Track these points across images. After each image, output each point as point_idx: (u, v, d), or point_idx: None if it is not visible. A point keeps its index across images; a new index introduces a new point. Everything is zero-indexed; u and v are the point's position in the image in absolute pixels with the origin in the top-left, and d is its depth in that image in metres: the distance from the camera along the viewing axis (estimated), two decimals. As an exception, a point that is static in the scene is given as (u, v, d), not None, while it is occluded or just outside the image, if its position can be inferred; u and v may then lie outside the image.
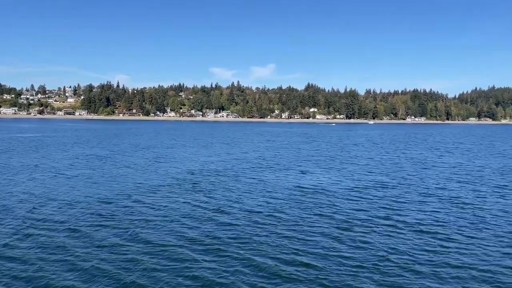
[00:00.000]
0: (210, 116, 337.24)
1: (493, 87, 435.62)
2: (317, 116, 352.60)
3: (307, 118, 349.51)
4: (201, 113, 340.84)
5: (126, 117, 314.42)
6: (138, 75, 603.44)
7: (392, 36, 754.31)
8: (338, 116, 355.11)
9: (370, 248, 16.80)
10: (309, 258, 15.51)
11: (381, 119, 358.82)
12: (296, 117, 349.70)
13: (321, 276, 13.94)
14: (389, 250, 16.58)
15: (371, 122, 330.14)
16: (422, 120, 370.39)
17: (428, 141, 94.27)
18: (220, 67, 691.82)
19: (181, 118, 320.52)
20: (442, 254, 16.24)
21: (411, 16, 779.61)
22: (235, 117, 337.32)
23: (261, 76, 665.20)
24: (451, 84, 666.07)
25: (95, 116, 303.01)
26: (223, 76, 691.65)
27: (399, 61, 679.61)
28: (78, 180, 31.46)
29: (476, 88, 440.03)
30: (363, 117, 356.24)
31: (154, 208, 22.58)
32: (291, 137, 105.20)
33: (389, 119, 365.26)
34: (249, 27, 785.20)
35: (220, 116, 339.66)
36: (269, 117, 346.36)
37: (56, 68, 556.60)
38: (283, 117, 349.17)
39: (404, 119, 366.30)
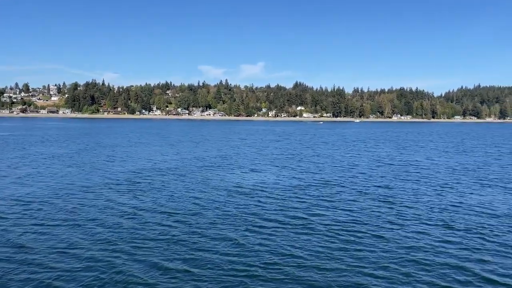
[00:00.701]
0: (197, 114, 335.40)
1: (479, 85, 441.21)
2: (304, 115, 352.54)
3: (294, 116, 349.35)
4: (187, 112, 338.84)
5: (111, 115, 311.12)
6: (128, 73, 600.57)
7: (381, 36, 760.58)
8: (325, 115, 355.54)
9: (262, 251, 16.03)
10: (188, 264, 14.64)
11: (367, 118, 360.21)
12: (283, 116, 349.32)
13: (187, 282, 13.16)
14: (281, 253, 15.87)
15: (357, 120, 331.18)
16: (408, 118, 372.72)
17: (400, 139, 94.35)
18: (209, 65, 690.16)
19: (167, 117, 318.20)
20: (334, 257, 15.56)
21: (399, 16, 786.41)
22: (222, 116, 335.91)
23: (251, 74, 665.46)
24: (438, 83, 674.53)
25: (79, 115, 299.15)
26: (212, 74, 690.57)
27: (388, 60, 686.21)
28: (6, 181, 30.27)
29: (462, 87, 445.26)
30: (350, 115, 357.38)
31: (63, 211, 21.54)
32: (266, 135, 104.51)
33: (376, 118, 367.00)
34: (239, 24, 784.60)
35: (207, 114, 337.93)
36: (256, 115, 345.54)
37: (43, 66, 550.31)
38: (270, 115, 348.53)
39: (390, 118, 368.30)
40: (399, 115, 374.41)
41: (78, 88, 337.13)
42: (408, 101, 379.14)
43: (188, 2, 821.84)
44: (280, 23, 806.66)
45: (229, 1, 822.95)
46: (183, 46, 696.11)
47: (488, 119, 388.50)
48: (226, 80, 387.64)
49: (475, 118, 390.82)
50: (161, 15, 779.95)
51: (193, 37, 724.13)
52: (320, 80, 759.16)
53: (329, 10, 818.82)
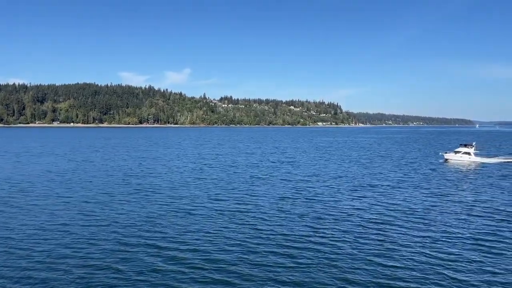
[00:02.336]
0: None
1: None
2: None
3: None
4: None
5: None
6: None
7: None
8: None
9: None
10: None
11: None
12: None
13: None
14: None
15: None
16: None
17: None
18: (130, 72, 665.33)
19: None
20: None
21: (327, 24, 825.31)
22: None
23: (176, 81, 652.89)
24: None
25: None
26: (134, 81, 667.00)
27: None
28: None
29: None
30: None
31: None
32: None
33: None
34: (163, 29, 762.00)
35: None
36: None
37: None
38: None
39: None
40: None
41: None
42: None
43: (105, 3, 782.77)
44: (205, 29, 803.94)
45: (151, 4, 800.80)
46: (100, 51, 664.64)
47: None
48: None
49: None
50: (69, 17, 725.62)
51: (112, 41, 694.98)
52: (245, 87, 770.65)
53: (253, 18, 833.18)
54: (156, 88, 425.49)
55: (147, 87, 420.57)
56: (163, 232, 23.08)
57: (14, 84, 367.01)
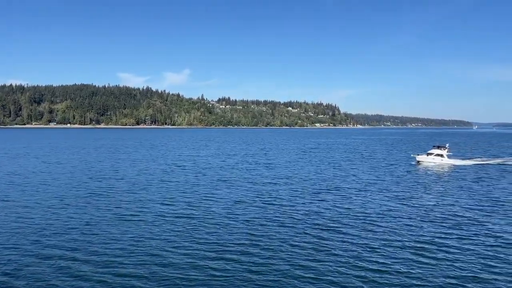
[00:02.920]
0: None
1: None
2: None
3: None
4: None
5: None
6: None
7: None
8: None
9: None
10: None
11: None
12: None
13: None
14: None
15: None
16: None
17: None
18: (129, 73, 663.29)
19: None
20: None
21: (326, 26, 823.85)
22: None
23: (175, 82, 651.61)
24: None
25: None
26: (133, 82, 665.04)
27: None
28: None
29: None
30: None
31: None
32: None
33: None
34: (161, 30, 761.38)
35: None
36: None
37: None
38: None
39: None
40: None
41: None
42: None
43: (104, 3, 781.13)
44: (205, 29, 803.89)
45: (150, 4, 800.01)
46: (99, 52, 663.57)
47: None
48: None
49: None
50: (68, 17, 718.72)
51: (111, 42, 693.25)
52: (246, 88, 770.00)
53: (253, 18, 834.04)
54: (154, 89, 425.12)
55: (144, 88, 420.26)
56: (87, 240, 21.85)
57: (11, 84, 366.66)
